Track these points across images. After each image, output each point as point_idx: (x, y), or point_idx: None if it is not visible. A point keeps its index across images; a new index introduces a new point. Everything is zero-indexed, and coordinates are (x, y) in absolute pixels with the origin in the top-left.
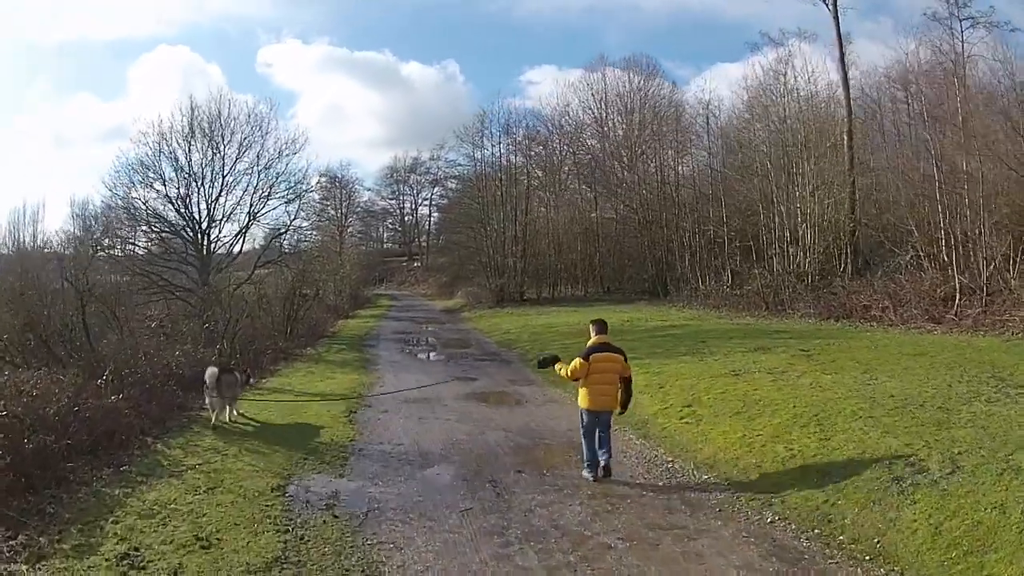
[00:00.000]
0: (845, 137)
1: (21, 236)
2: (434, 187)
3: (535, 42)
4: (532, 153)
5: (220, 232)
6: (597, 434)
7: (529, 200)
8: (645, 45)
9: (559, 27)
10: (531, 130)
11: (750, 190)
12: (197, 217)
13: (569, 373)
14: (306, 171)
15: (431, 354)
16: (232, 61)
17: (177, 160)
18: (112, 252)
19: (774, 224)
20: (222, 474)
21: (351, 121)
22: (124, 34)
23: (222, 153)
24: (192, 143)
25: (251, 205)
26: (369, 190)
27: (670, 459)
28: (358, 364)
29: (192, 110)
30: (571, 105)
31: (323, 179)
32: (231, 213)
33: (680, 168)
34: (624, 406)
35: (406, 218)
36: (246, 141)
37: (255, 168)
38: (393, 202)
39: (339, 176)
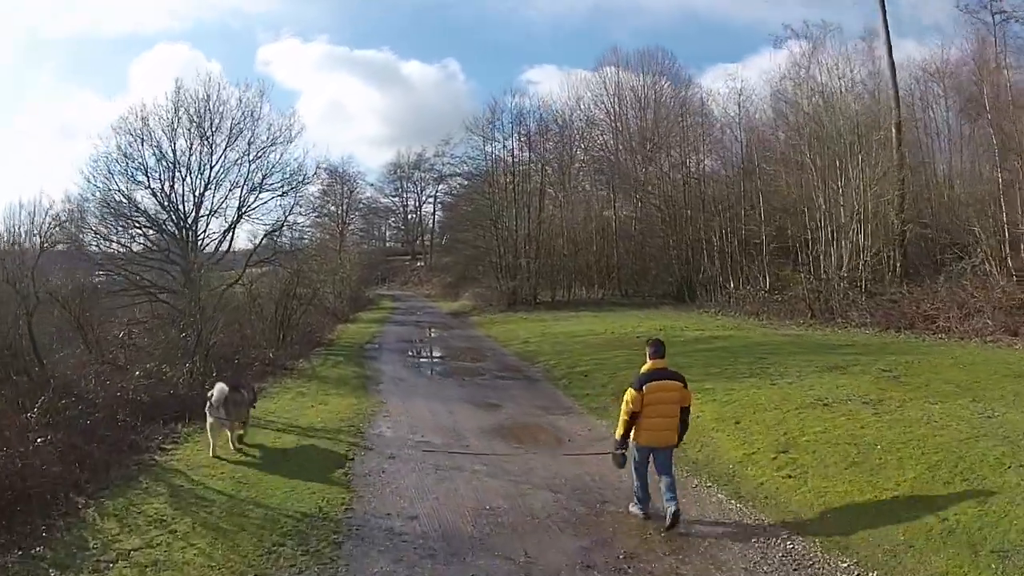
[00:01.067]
0: (893, 130)
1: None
2: (439, 184)
3: (537, 41)
4: (545, 147)
5: (207, 228)
6: (661, 477)
7: (543, 196)
8: (649, 46)
9: (562, 27)
10: (543, 122)
11: (788, 188)
12: (182, 211)
13: (624, 415)
14: (302, 161)
15: (441, 369)
16: (233, 59)
17: (160, 148)
18: (87, 248)
19: (820, 224)
20: (163, 572)
21: (352, 119)
22: (129, 30)
23: (210, 141)
24: (177, 129)
25: (240, 198)
26: (371, 185)
27: (785, 533)
28: (357, 383)
29: (178, 91)
30: (583, 99)
31: (322, 171)
32: (219, 207)
33: (706, 162)
34: (681, 437)
35: (409, 216)
36: (236, 128)
37: (245, 157)
38: (396, 199)
39: (340, 170)
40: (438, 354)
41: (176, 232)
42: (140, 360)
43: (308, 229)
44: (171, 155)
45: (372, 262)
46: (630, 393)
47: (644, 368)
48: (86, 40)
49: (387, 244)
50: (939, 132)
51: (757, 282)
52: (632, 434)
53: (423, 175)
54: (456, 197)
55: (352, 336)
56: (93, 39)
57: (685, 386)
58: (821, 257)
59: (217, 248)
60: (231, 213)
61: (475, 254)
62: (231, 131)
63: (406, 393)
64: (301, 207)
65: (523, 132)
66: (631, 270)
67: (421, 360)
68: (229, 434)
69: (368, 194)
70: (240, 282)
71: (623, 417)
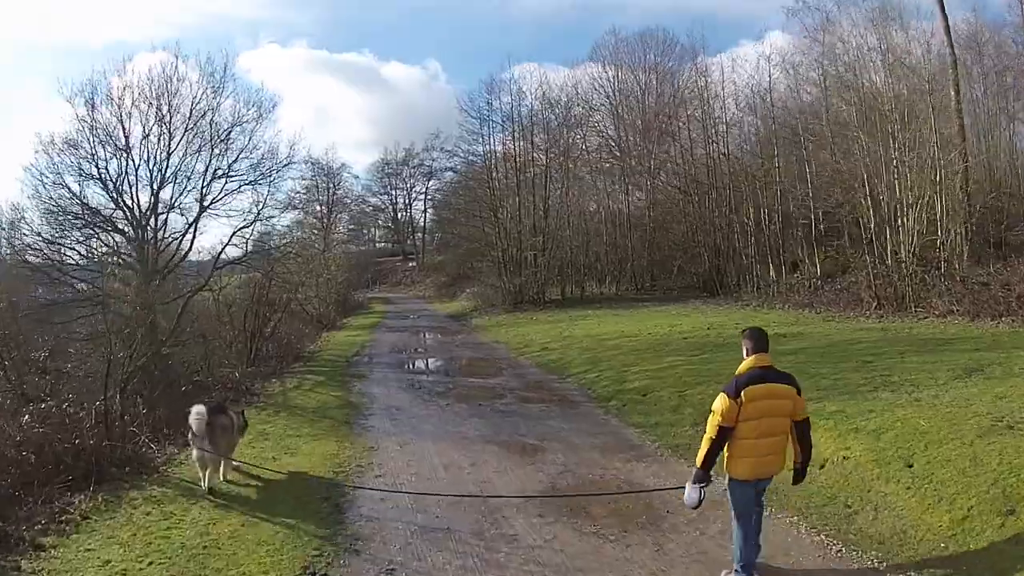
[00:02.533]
0: (953, 93)
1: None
2: (429, 180)
3: (520, 41)
4: (549, 127)
5: (166, 225)
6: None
7: (549, 182)
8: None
9: (546, 26)
10: (547, 100)
11: (837, 158)
12: (136, 206)
13: (710, 434)
14: (275, 144)
15: (448, 389)
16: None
17: (110, 133)
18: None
19: (880, 199)
20: None
21: (337, 123)
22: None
23: (168, 125)
24: (130, 112)
25: (202, 188)
26: (357, 177)
27: None
28: (339, 415)
29: (124, 63)
30: (581, 83)
31: (303, 164)
32: (178, 200)
33: (729, 136)
34: (803, 469)
35: (399, 215)
36: (198, 108)
37: (208, 143)
38: (385, 197)
39: (322, 163)
40: (441, 367)
41: (132, 231)
42: (59, 392)
43: (286, 226)
44: (123, 141)
45: (362, 263)
46: (722, 402)
47: (742, 367)
48: (73, 51)
49: (377, 245)
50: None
51: (805, 269)
52: (728, 464)
53: (412, 171)
54: (451, 187)
55: (338, 346)
56: (80, 50)
57: (799, 392)
58: (887, 236)
59: (177, 248)
60: (193, 207)
61: (473, 249)
62: (192, 112)
63: (405, 431)
64: (278, 200)
65: (527, 111)
66: (647, 262)
67: (421, 377)
68: (213, 467)
69: (356, 189)
70: (208, 288)
71: (708, 435)
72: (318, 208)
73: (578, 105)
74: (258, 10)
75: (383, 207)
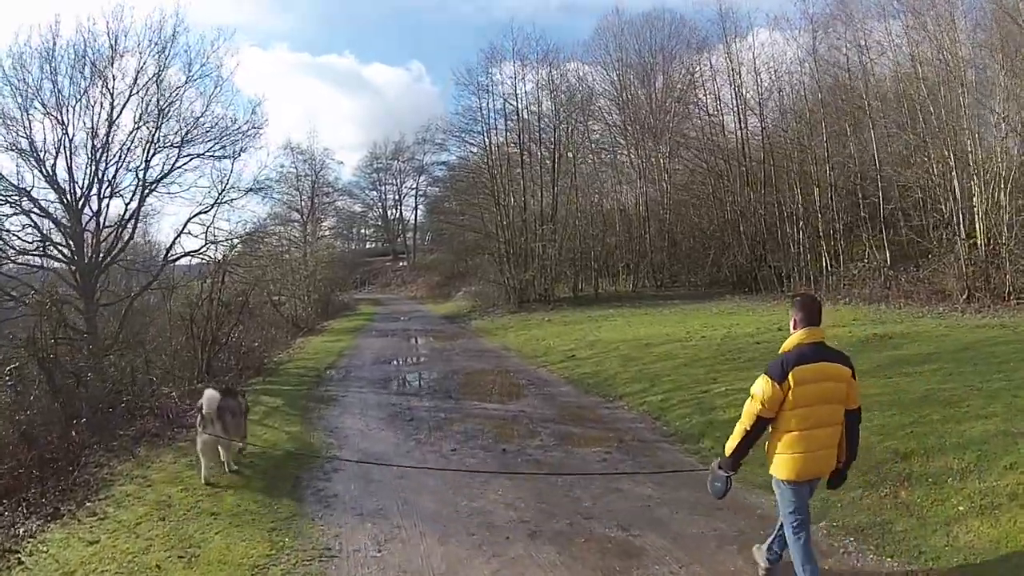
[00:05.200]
0: None
1: None
2: (420, 175)
3: (504, 41)
4: (556, 96)
5: (106, 209)
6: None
7: (560, 160)
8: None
9: (533, 26)
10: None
11: (908, 132)
12: (71, 187)
13: (747, 421)
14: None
15: (453, 421)
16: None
17: (39, 93)
18: None
19: (959, 176)
20: None
21: (323, 126)
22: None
23: (110, 87)
24: (60, 65)
25: (145, 161)
26: (341, 163)
27: None
28: (285, 473)
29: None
30: (581, 68)
31: (261, 127)
32: (113, 178)
33: (767, 114)
34: (845, 470)
35: (389, 212)
36: (144, 66)
37: (152, 103)
38: (374, 194)
39: (303, 148)
40: (439, 386)
41: (65, 218)
42: None
43: (259, 218)
44: (54, 106)
45: (350, 263)
46: (764, 384)
47: (788, 343)
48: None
49: (367, 245)
50: None
51: (870, 257)
52: (775, 462)
53: (403, 165)
54: (446, 174)
55: (312, 354)
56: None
57: (854, 374)
58: (980, 215)
59: (116, 237)
60: (134, 187)
61: (470, 243)
62: (139, 70)
63: (388, 508)
64: (246, 182)
65: (533, 73)
66: (667, 255)
67: (412, 402)
68: (225, 453)
69: (341, 178)
70: (159, 285)
71: (743, 424)
72: (299, 199)
73: (579, 94)
74: (235, 14)
75: (373, 204)
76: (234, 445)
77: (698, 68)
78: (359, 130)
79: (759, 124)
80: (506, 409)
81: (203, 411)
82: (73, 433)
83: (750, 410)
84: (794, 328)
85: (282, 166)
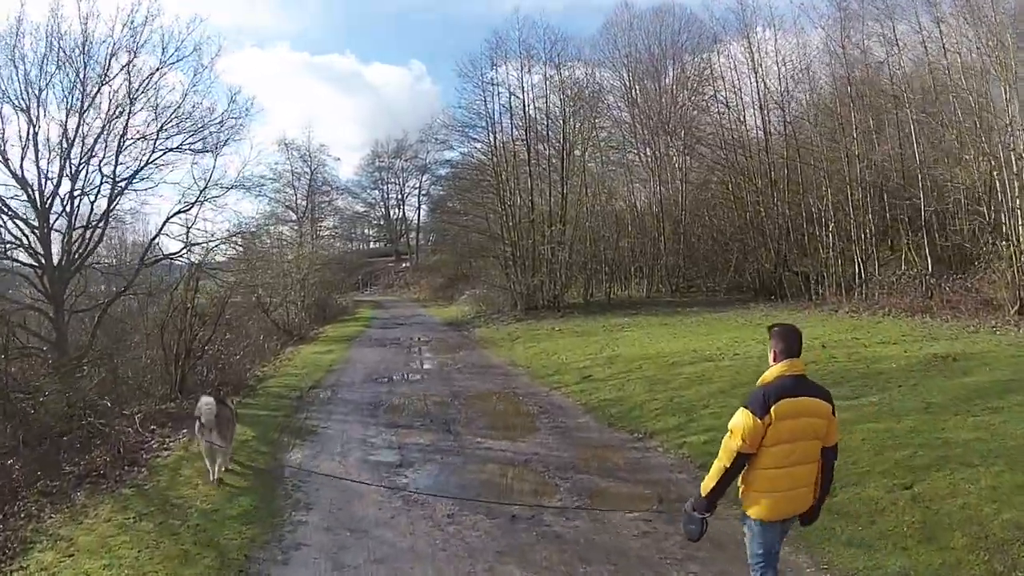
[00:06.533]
0: None
1: None
2: (423, 174)
3: (505, 40)
4: (564, 88)
5: (76, 209)
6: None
7: (568, 158)
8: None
9: (536, 25)
10: (567, 56)
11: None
12: (37, 185)
13: (725, 459)
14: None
15: (452, 469)
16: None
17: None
18: None
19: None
20: None
21: (324, 126)
22: None
23: (80, 73)
24: (26, 52)
25: (116, 155)
26: (338, 159)
27: None
28: (231, 545)
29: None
30: (588, 63)
31: (245, 117)
32: (78, 173)
33: (792, 109)
34: (818, 507)
35: (392, 212)
36: (115, 51)
37: (123, 92)
38: (376, 193)
39: (297, 144)
40: (437, 413)
41: (32, 218)
42: None
43: (251, 218)
44: (19, 92)
45: (351, 264)
46: (744, 419)
47: (767, 375)
48: None
49: (370, 245)
50: None
51: (910, 263)
52: (745, 500)
53: (405, 164)
54: (450, 172)
55: (298, 369)
56: None
57: (833, 410)
58: None
59: (87, 239)
60: (103, 186)
61: (474, 244)
62: (112, 54)
63: None
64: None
65: (540, 66)
66: (682, 259)
67: (405, 437)
68: (220, 460)
69: (339, 175)
70: (134, 291)
71: (722, 462)
72: (295, 197)
73: (587, 89)
74: (234, 15)
75: (374, 203)
76: (227, 452)
77: (717, 60)
78: (360, 130)
79: (782, 119)
80: (516, 450)
81: (201, 419)
82: (16, 467)
83: (729, 446)
84: (774, 360)
85: (276, 163)
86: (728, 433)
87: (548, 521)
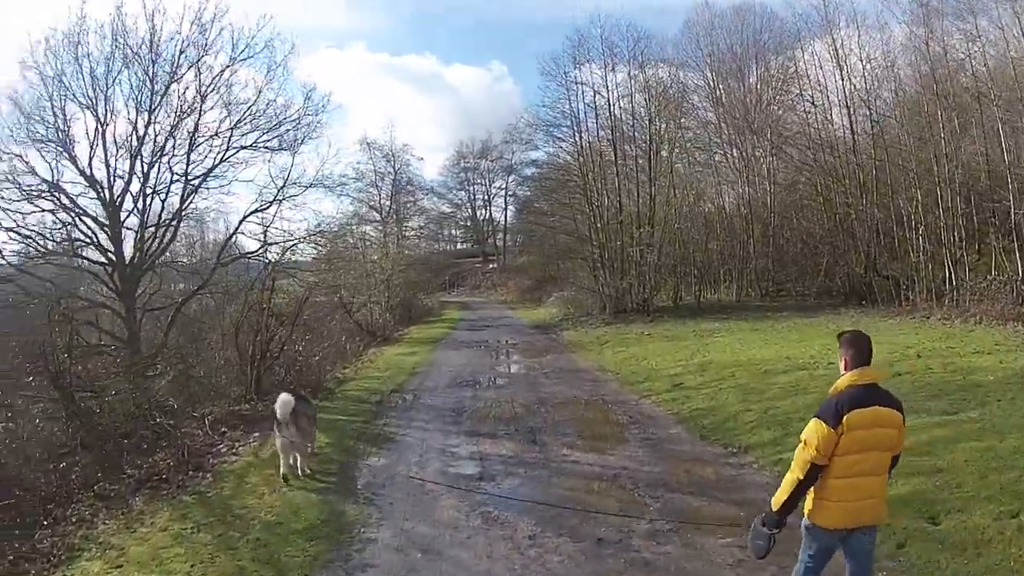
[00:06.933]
0: None
1: None
2: (509, 175)
3: (588, 29)
4: (650, 90)
5: (148, 207)
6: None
7: (657, 158)
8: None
9: (611, 26)
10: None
11: None
12: (108, 183)
13: (799, 470)
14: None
15: (536, 483)
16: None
17: (71, 82)
18: None
19: None
20: None
21: (401, 126)
22: None
23: (149, 73)
24: (91, 51)
25: (186, 159)
26: (421, 159)
27: None
28: (306, 548)
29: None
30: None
31: (323, 113)
32: (149, 172)
33: (878, 107)
34: None
35: (478, 212)
36: (184, 48)
37: (192, 88)
38: (462, 194)
39: (380, 144)
40: (522, 421)
41: (103, 215)
42: None
43: (332, 217)
44: (85, 93)
45: (437, 265)
46: (817, 430)
47: (839, 384)
48: None
49: (458, 246)
50: None
51: (1002, 268)
52: (813, 505)
53: (491, 164)
54: (536, 173)
55: (381, 371)
56: None
57: (903, 419)
58: None
59: (161, 237)
60: (175, 184)
61: (562, 246)
62: (182, 54)
63: None
64: (309, 176)
65: (624, 65)
66: (772, 262)
67: (487, 446)
68: (300, 457)
69: (422, 175)
70: (208, 291)
71: (795, 474)
72: (378, 197)
73: (672, 87)
74: (310, 16)
75: (461, 204)
76: (307, 449)
77: (801, 57)
78: (440, 131)
79: (868, 118)
80: (603, 463)
81: (278, 416)
82: (76, 468)
83: (803, 457)
84: (844, 368)
85: (358, 163)
86: (801, 444)
87: (636, 545)
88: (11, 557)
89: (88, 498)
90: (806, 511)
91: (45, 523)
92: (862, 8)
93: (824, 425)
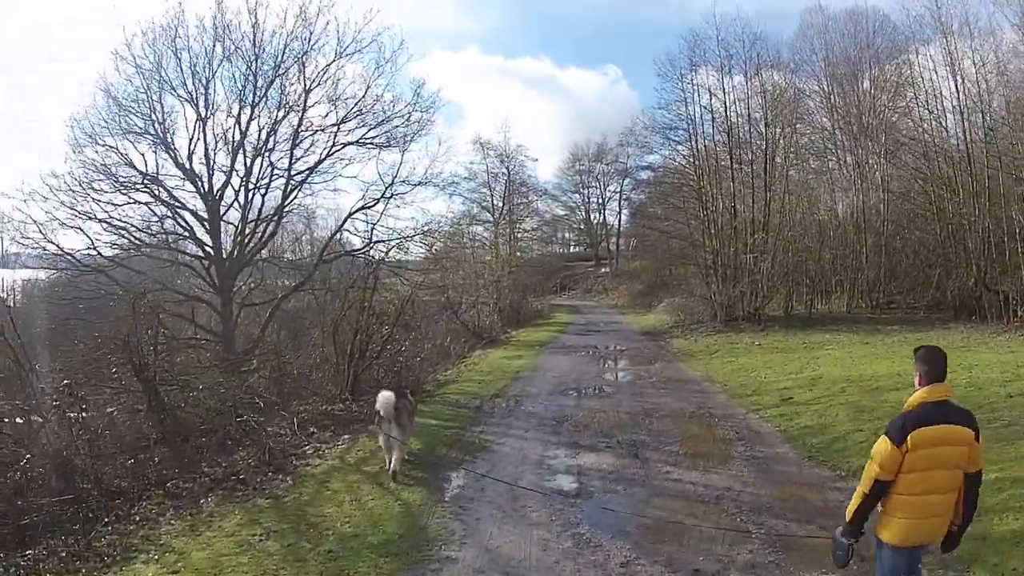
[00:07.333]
0: None
1: None
2: (624, 179)
3: (700, 39)
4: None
5: (249, 202)
6: None
7: (770, 164)
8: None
9: (726, 29)
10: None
11: None
12: (207, 177)
13: (865, 486)
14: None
15: (635, 504)
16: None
17: (169, 75)
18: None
19: None
20: None
21: (515, 128)
22: None
23: (252, 67)
24: (191, 44)
25: (289, 155)
26: (536, 160)
27: None
28: (384, 563)
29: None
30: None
31: (432, 110)
32: (251, 167)
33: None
34: (960, 533)
35: (592, 216)
36: (291, 44)
37: (301, 85)
38: (576, 197)
39: (494, 144)
40: (625, 433)
41: (202, 209)
42: None
43: (443, 217)
44: (184, 87)
45: (549, 267)
46: (883, 447)
47: (912, 400)
48: None
49: (571, 249)
50: None
51: None
52: (882, 522)
53: (606, 167)
54: (651, 174)
55: (484, 374)
56: None
57: (977, 436)
58: None
59: (260, 234)
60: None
61: (675, 251)
62: (286, 50)
63: None
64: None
65: (740, 68)
66: (883, 272)
67: (585, 458)
68: (397, 454)
69: (536, 176)
70: (310, 288)
71: (862, 488)
72: (490, 198)
73: (788, 92)
74: (423, 18)
75: (575, 207)
76: (406, 446)
77: (915, 60)
78: (554, 133)
79: (982, 125)
80: (707, 482)
81: (380, 413)
82: (152, 463)
83: (869, 472)
84: (919, 384)
85: (471, 162)
86: (870, 458)
87: None
88: (63, 554)
89: (158, 496)
90: (878, 531)
91: (107, 520)
92: (974, 10)
93: (888, 443)
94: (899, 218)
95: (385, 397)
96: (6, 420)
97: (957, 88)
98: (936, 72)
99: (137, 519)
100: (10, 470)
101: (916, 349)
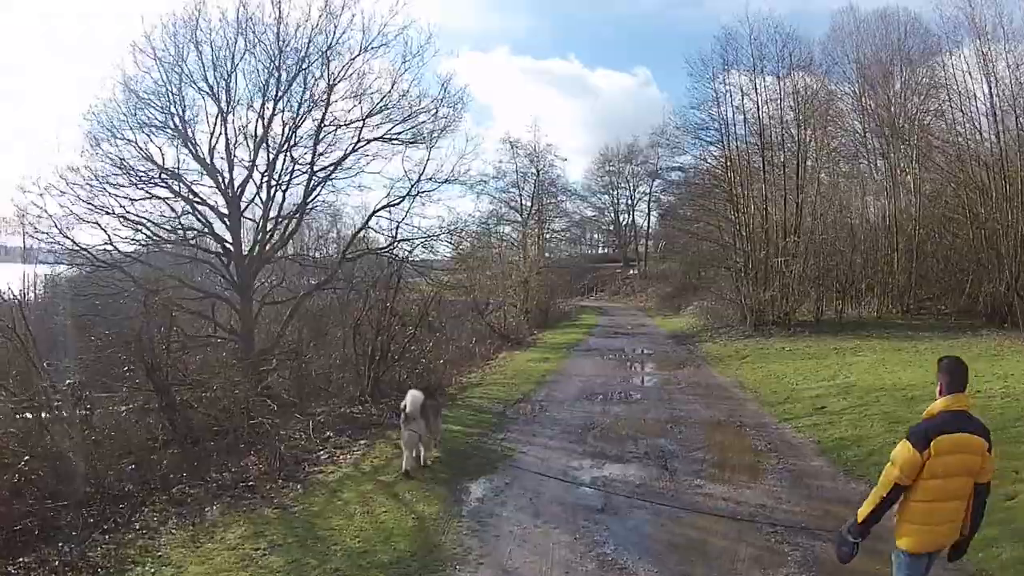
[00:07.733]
0: None
1: None
2: (654, 180)
3: (732, 37)
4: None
5: (270, 198)
6: None
7: (802, 167)
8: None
9: (759, 30)
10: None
11: None
12: (228, 172)
13: (883, 488)
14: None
15: (662, 525)
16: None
17: (190, 67)
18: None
19: None
20: None
21: (545, 128)
22: None
23: (275, 61)
24: (213, 36)
25: (312, 150)
26: (565, 159)
27: None
28: None
29: None
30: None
31: (460, 106)
32: (273, 162)
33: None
34: (967, 542)
35: (621, 217)
36: (315, 38)
37: (325, 79)
38: (605, 198)
39: (523, 143)
40: (652, 442)
41: (222, 204)
42: None
43: (471, 215)
44: (206, 79)
45: (577, 267)
46: (904, 451)
47: (932, 408)
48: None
49: (599, 250)
50: None
51: None
52: (896, 530)
53: (636, 169)
54: (681, 175)
55: (508, 377)
56: None
57: (990, 448)
58: None
59: (282, 230)
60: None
61: (704, 254)
62: (310, 43)
63: None
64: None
65: (772, 68)
66: (913, 277)
67: (611, 469)
68: (423, 450)
69: (565, 176)
70: (332, 286)
71: (879, 491)
72: (519, 197)
73: (820, 94)
74: (453, 19)
75: (604, 208)
76: (431, 442)
77: (949, 62)
78: (583, 134)
79: (1016, 128)
80: (739, 498)
81: (407, 410)
82: (159, 466)
83: (888, 476)
84: (940, 393)
85: (500, 161)
86: (890, 462)
87: None
88: (55, 563)
89: (161, 501)
90: (899, 540)
91: (105, 527)
92: (1008, 11)
93: (911, 448)
94: (930, 222)
95: (413, 396)
96: (4, 419)
97: (990, 90)
98: (969, 74)
99: (137, 527)
100: (7, 472)
101: (939, 360)
